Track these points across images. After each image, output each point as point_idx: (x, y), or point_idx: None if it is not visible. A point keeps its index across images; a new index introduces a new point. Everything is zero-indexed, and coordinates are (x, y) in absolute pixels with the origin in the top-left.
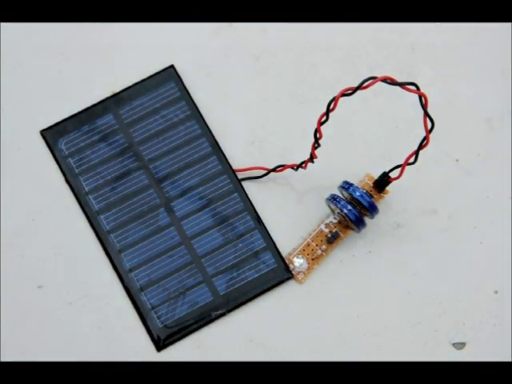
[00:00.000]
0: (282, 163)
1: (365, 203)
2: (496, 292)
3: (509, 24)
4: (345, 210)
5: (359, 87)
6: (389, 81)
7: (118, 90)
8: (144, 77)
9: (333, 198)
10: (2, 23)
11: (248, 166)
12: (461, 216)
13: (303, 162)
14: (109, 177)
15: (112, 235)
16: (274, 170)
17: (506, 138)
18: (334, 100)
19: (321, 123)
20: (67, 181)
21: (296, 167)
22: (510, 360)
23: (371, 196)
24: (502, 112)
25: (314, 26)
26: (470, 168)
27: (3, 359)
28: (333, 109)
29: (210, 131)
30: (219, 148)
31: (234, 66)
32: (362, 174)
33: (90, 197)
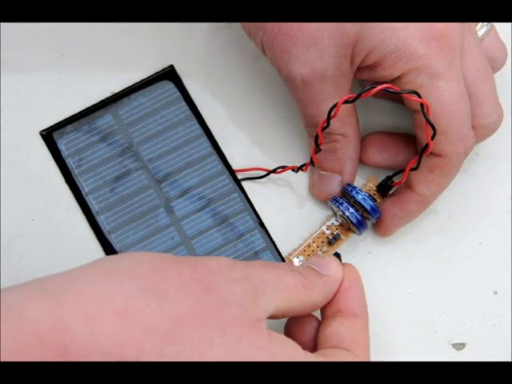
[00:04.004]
0: (282, 165)
1: (367, 206)
2: (496, 292)
3: (509, 24)
4: (347, 213)
5: (360, 95)
6: (390, 89)
7: (117, 90)
8: (143, 77)
9: (335, 200)
10: (2, 23)
11: (248, 167)
12: (460, 216)
13: (304, 165)
14: (109, 177)
15: (112, 235)
16: (274, 171)
17: (506, 137)
18: (336, 107)
19: (322, 129)
20: (67, 181)
21: (297, 169)
22: (510, 360)
23: (374, 199)
24: (503, 112)
25: None
26: (469, 168)
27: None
28: (334, 116)
29: (210, 131)
30: (219, 148)
31: (233, 66)
32: (366, 177)
33: (90, 197)
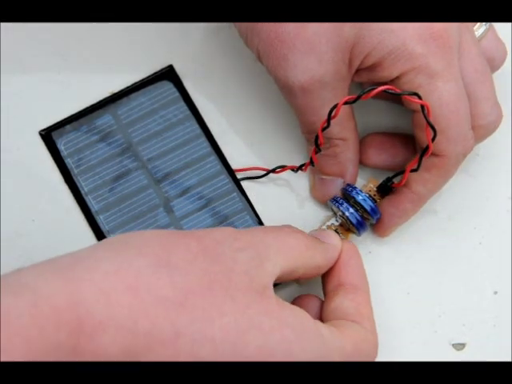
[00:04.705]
0: (281, 164)
1: (367, 207)
2: (495, 292)
3: (509, 24)
4: (346, 213)
5: (360, 96)
6: (391, 90)
7: (116, 90)
8: (142, 77)
9: (335, 201)
10: (2, 23)
11: (247, 166)
12: (460, 216)
13: (303, 165)
14: (108, 177)
15: (112, 235)
16: (273, 170)
17: (506, 138)
18: (336, 108)
19: (322, 129)
20: (66, 181)
21: (296, 169)
22: (510, 360)
23: (374, 200)
24: (502, 112)
25: None
26: (469, 168)
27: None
28: (334, 116)
29: (209, 131)
30: (218, 148)
31: (233, 66)
32: (366, 177)
33: (90, 197)
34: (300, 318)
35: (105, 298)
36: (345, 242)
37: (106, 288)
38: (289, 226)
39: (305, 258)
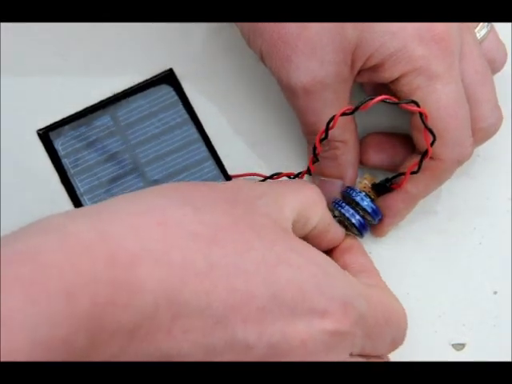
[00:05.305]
0: (279, 171)
1: (369, 210)
2: (495, 293)
3: (509, 24)
4: (353, 220)
5: (358, 108)
6: (388, 100)
7: (115, 91)
8: (142, 79)
9: (338, 205)
10: (2, 23)
11: (245, 172)
12: (460, 217)
13: (300, 173)
14: (104, 178)
15: None
16: (270, 177)
17: (506, 138)
18: (334, 119)
19: (320, 140)
20: (63, 182)
21: (293, 176)
22: (509, 360)
23: (373, 200)
24: (502, 113)
25: None
26: (469, 169)
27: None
28: (332, 127)
29: (207, 136)
30: (215, 153)
31: (234, 66)
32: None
33: (85, 198)
34: (327, 259)
35: (135, 232)
36: (346, 235)
37: (135, 224)
38: (304, 180)
39: (319, 208)
